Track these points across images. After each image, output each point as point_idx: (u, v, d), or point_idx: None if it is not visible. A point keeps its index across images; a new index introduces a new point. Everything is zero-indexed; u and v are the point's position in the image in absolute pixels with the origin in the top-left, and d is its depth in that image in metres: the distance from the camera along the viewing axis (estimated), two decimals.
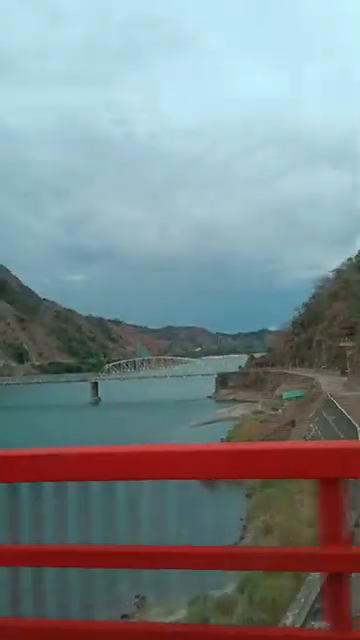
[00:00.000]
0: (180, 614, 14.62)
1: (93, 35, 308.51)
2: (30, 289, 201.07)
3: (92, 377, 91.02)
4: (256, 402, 65.58)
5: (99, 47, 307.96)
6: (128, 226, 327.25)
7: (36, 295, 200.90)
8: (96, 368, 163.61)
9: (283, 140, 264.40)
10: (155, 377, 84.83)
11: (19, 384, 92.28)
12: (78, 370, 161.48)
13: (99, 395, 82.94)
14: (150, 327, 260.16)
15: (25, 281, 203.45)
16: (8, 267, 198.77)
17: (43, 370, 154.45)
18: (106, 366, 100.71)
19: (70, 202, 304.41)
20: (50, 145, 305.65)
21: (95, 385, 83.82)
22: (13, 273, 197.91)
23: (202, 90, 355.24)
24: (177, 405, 68.86)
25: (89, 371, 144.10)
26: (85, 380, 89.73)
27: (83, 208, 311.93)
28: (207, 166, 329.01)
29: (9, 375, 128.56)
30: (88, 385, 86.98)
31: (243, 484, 28.29)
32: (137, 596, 16.49)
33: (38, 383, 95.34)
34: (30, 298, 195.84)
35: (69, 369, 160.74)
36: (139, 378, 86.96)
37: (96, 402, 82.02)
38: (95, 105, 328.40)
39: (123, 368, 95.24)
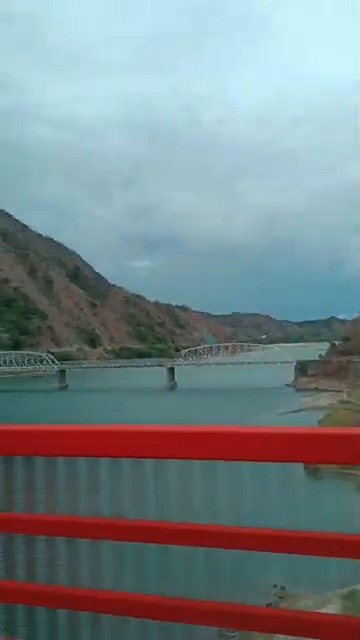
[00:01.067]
0: (329, 608, 14.17)
1: (159, 22, 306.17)
2: (101, 275, 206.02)
3: (168, 362, 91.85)
4: (340, 391, 63.71)
5: (165, 34, 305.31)
6: (192, 214, 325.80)
7: (106, 281, 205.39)
8: (165, 354, 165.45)
9: (350, 123, 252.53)
10: (232, 364, 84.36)
11: (96, 367, 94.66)
12: (148, 355, 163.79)
13: (175, 380, 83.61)
14: (214, 314, 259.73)
15: (96, 268, 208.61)
16: (79, 254, 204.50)
17: (115, 354, 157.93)
18: (183, 351, 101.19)
19: (135, 191, 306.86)
20: (117, 134, 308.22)
21: (171, 370, 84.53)
22: (85, 259, 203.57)
23: (267, 74, 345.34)
24: (256, 392, 68.12)
25: (158, 356, 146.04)
26: (161, 365, 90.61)
27: (148, 196, 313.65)
28: (273, 152, 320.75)
29: (84, 359, 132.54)
30: (162, 370, 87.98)
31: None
32: (275, 586, 16.18)
33: (116, 367, 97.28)
34: (101, 284, 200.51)
35: (139, 354, 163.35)
36: (216, 364, 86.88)
37: (172, 387, 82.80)
38: (161, 93, 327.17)
39: (200, 354, 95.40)
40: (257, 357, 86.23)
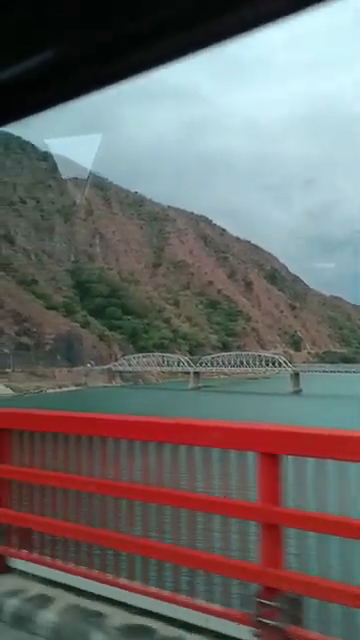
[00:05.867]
0: None
1: (340, 19, 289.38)
2: (299, 277, 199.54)
3: None
4: None
5: (347, 30, 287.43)
6: None
7: (303, 282, 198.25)
8: None
9: None
10: None
11: (334, 372, 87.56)
12: (353, 360, 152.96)
13: None
14: None
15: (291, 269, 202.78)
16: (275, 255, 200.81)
17: (320, 359, 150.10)
18: None
19: (316, 191, 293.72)
20: (299, 136, 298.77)
21: None
22: (282, 261, 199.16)
23: None
24: None
25: None
26: None
27: (328, 197, 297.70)
28: None
29: (290, 361, 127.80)
30: None
31: None
32: None
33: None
34: (298, 286, 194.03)
35: (344, 359, 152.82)
36: None
37: None
38: (345, 88, 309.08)
39: None
40: None
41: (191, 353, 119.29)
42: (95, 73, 0.75)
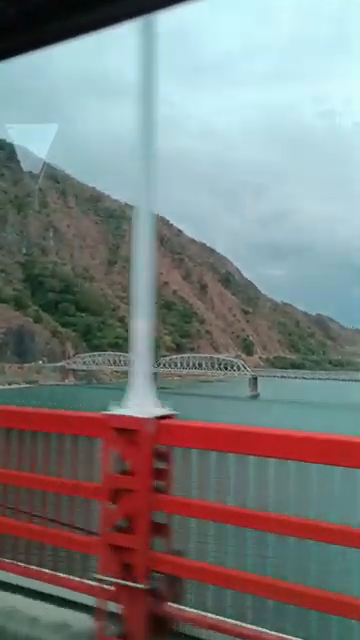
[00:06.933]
0: None
1: (301, 30, 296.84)
2: (251, 282, 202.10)
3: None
4: None
5: (307, 42, 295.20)
6: (326, 223, 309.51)
7: (256, 287, 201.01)
8: (319, 366, 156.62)
9: None
10: None
11: (294, 378, 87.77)
12: (301, 366, 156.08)
13: None
14: (350, 327, 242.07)
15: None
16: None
17: (270, 363, 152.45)
18: None
19: (267, 199, 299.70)
20: (253, 143, 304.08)
21: None
22: (235, 265, 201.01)
23: None
24: None
25: (311, 369, 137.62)
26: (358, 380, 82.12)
27: (279, 205, 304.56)
28: None
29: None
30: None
31: None
32: None
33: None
34: (251, 290, 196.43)
35: (293, 364, 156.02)
36: None
37: None
38: (300, 100, 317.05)
39: None
40: None
41: None
42: (62, 24, 0.76)
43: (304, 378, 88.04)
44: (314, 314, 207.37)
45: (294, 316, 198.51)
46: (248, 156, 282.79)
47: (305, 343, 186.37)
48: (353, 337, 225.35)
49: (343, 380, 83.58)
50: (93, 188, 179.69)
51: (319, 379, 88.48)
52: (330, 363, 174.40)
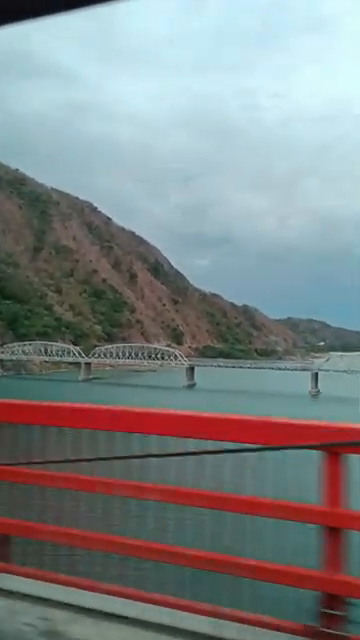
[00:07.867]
0: None
1: (230, 21, 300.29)
2: (180, 272, 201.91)
3: (313, 365, 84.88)
4: None
5: (235, 33, 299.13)
6: (249, 214, 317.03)
7: (184, 278, 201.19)
8: (247, 355, 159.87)
9: None
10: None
11: (232, 367, 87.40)
12: (229, 356, 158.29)
13: (319, 388, 76.91)
14: (271, 317, 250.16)
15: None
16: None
17: (200, 353, 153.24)
18: (332, 353, 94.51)
19: (192, 189, 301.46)
20: (178, 132, 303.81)
21: (316, 376, 77.60)
22: (164, 255, 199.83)
23: (334, 75, 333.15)
24: None
25: (239, 358, 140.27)
26: (305, 370, 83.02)
27: (204, 195, 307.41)
28: (337, 154, 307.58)
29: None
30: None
31: None
32: None
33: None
34: (179, 280, 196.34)
35: (222, 354, 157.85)
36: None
37: (316, 395, 76.41)
38: (225, 91, 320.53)
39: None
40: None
41: (75, 343, 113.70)
42: None
43: (241, 367, 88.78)
44: (241, 305, 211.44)
45: (222, 306, 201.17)
46: (175, 145, 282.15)
47: (232, 333, 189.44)
48: (276, 327, 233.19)
49: (279, 369, 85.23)
50: (16, 170, 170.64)
51: (255, 368, 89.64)
52: (256, 352, 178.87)
